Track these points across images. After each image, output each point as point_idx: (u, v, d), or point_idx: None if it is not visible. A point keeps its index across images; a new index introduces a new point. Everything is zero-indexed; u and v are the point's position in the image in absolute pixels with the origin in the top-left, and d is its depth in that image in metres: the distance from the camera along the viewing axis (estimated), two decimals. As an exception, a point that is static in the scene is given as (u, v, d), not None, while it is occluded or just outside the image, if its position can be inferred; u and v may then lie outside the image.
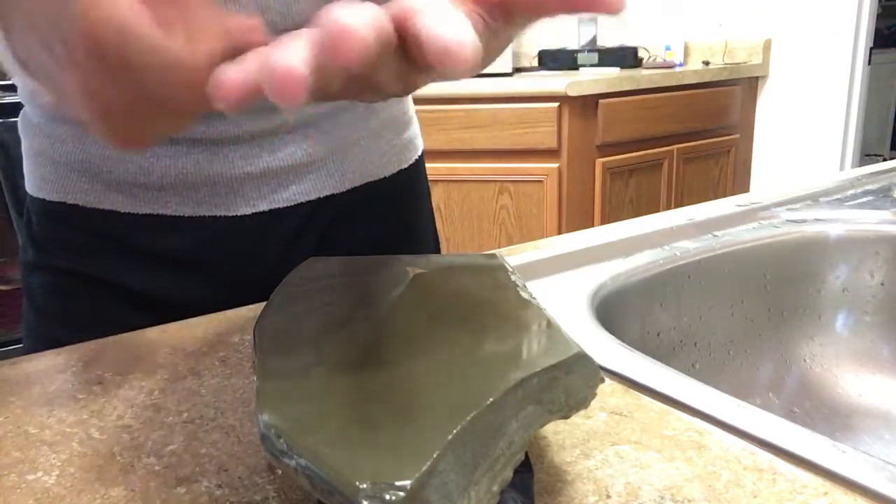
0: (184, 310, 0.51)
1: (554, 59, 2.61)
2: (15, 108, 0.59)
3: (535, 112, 2.08)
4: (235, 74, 0.23)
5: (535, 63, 2.71)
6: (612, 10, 0.24)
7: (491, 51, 0.29)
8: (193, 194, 0.53)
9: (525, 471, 0.26)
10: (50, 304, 0.56)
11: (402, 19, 0.23)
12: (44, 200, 0.55)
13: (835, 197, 0.70)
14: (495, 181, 2.16)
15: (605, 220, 2.20)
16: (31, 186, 0.56)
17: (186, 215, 0.54)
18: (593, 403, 0.34)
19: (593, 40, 2.66)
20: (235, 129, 0.52)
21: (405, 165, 0.64)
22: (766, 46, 2.48)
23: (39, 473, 0.31)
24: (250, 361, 0.42)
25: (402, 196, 0.64)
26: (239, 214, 0.54)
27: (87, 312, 0.55)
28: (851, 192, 0.71)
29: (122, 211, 0.53)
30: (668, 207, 2.33)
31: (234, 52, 0.25)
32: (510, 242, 2.18)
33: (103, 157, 0.52)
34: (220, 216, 0.54)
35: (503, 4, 0.27)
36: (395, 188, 0.63)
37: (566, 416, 0.26)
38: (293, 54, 0.21)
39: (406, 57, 0.24)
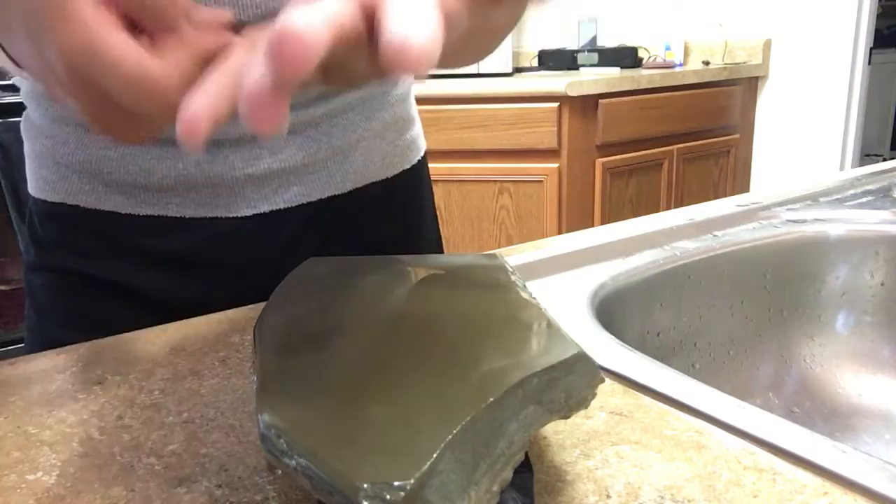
0: (184, 310, 0.51)
1: (554, 59, 2.61)
2: (15, 108, 0.59)
3: (535, 112, 2.08)
4: (200, 109, 0.21)
5: (535, 63, 2.71)
6: None
7: (491, 31, 0.27)
8: (194, 195, 0.53)
9: (525, 471, 0.26)
10: (51, 304, 0.56)
11: (371, 7, 0.21)
12: (45, 201, 0.55)
13: (835, 197, 0.70)
14: (495, 181, 2.16)
15: (605, 220, 2.20)
16: (32, 187, 0.56)
17: (187, 216, 0.53)
18: (593, 403, 0.34)
19: (593, 40, 2.66)
20: (236, 130, 0.52)
21: (408, 166, 0.63)
22: (766, 46, 2.48)
23: (39, 473, 0.31)
24: (250, 361, 0.42)
25: (404, 197, 0.64)
26: (240, 216, 0.54)
27: (88, 312, 0.55)
28: (851, 192, 0.71)
29: (123, 212, 0.53)
30: (668, 207, 2.33)
31: (205, 59, 0.24)
32: (510, 242, 2.18)
33: (104, 159, 0.52)
34: (222, 217, 0.54)
35: None
36: (397, 189, 0.62)
37: (566, 416, 0.26)
38: (262, 82, 0.20)
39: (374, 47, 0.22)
